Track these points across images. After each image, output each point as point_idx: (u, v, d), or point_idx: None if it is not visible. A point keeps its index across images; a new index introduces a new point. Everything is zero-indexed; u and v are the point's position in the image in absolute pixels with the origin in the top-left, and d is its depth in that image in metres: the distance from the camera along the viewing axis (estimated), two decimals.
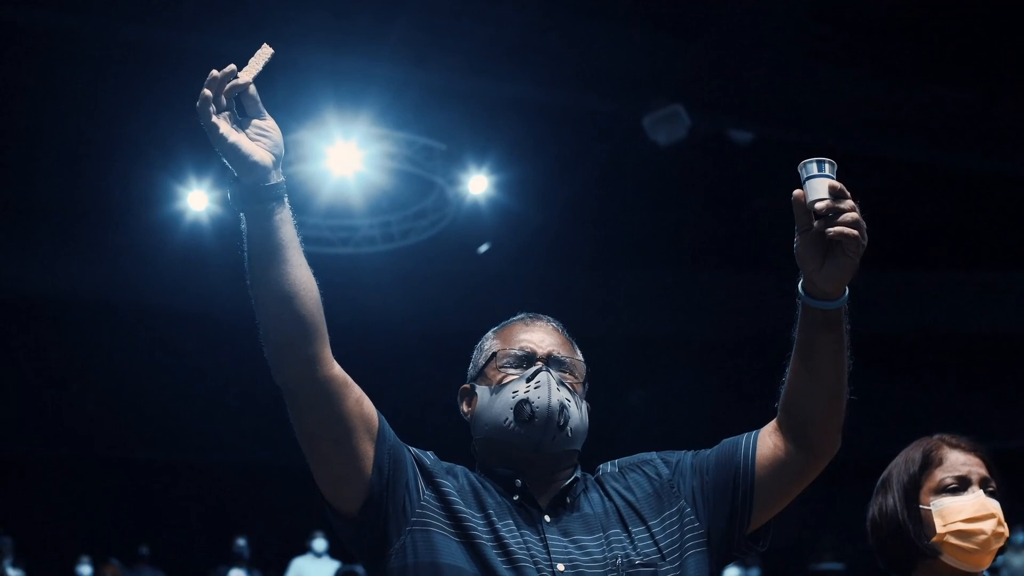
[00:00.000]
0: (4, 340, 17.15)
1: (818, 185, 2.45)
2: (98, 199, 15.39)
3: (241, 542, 15.20)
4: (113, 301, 17.14)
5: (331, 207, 15.74)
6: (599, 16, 12.43)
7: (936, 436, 3.16)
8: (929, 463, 3.09)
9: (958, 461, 3.08)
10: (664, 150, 13.67)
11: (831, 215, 2.43)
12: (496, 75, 13.12)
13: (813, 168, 2.47)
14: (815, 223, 2.45)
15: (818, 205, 2.43)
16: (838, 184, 2.45)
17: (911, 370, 18.12)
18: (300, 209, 15.69)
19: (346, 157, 14.63)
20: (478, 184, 15.45)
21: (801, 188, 2.47)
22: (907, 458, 3.14)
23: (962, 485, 3.05)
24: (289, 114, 13.49)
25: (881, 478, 3.17)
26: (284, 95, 12.93)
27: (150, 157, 14.04)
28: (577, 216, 16.47)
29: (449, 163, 15.14)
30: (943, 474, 3.06)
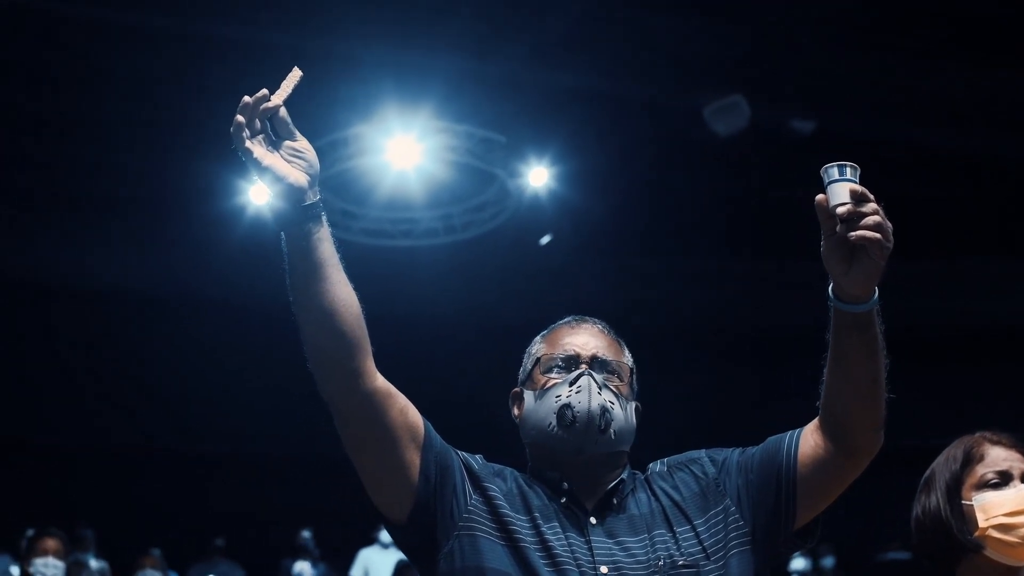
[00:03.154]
0: (71, 333, 17.33)
1: (840, 189, 2.46)
2: (159, 192, 15.51)
3: (306, 534, 15.27)
4: (177, 294, 17.27)
5: (391, 200, 15.79)
6: (659, 5, 12.39)
7: (977, 433, 3.17)
8: (970, 460, 3.10)
9: (999, 457, 3.09)
10: (726, 139, 13.62)
11: (854, 219, 2.44)
12: (555, 66, 13.11)
13: (835, 172, 2.48)
14: (838, 227, 2.46)
15: (840, 210, 2.45)
16: (860, 188, 2.45)
17: (981, 359, 17.97)
18: (360, 202, 15.97)
19: (406, 150, 14.68)
20: (538, 176, 15.44)
21: (824, 193, 2.48)
22: (948, 456, 3.16)
23: (1004, 480, 3.06)
24: (348, 108, 13.55)
25: (924, 478, 3.20)
26: (343, 89, 12.98)
27: (211, 151, 14.13)
28: (639, 207, 16.43)
29: (509, 155, 15.14)
30: (984, 469, 3.07)
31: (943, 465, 3.14)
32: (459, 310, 17.43)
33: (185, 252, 16.73)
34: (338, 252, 2.57)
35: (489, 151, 14.99)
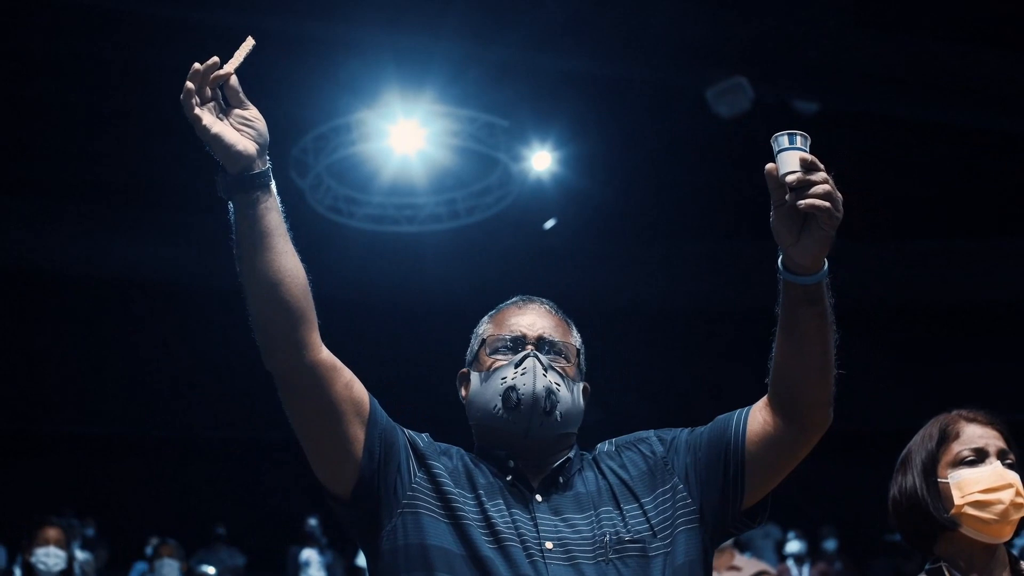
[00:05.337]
0: (80, 322, 17.33)
1: (789, 158, 2.43)
2: (169, 180, 15.52)
3: (313, 522, 15.27)
4: (188, 283, 17.28)
5: (394, 186, 15.79)
6: None
7: (954, 411, 3.16)
8: (946, 438, 3.10)
9: (975, 434, 3.09)
10: (729, 122, 13.59)
11: (803, 188, 2.41)
12: (557, 50, 13.08)
13: (784, 141, 2.45)
14: (788, 196, 2.43)
15: (789, 178, 2.41)
16: (809, 156, 2.42)
17: (984, 342, 17.96)
18: (363, 188, 15.89)
19: (409, 136, 14.67)
20: (541, 160, 15.44)
21: (774, 162, 2.45)
22: (924, 435, 3.15)
23: (979, 457, 3.06)
24: (351, 94, 13.53)
25: (900, 457, 3.19)
26: (346, 75, 12.97)
27: None
28: (642, 190, 16.42)
29: (512, 140, 15.14)
30: (960, 447, 3.07)
31: (919, 444, 3.13)
32: (463, 295, 17.41)
33: (193, 240, 16.72)
34: (287, 223, 2.55)
35: (492, 135, 14.97)
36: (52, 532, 6.59)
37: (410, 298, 16.71)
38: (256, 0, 11.89)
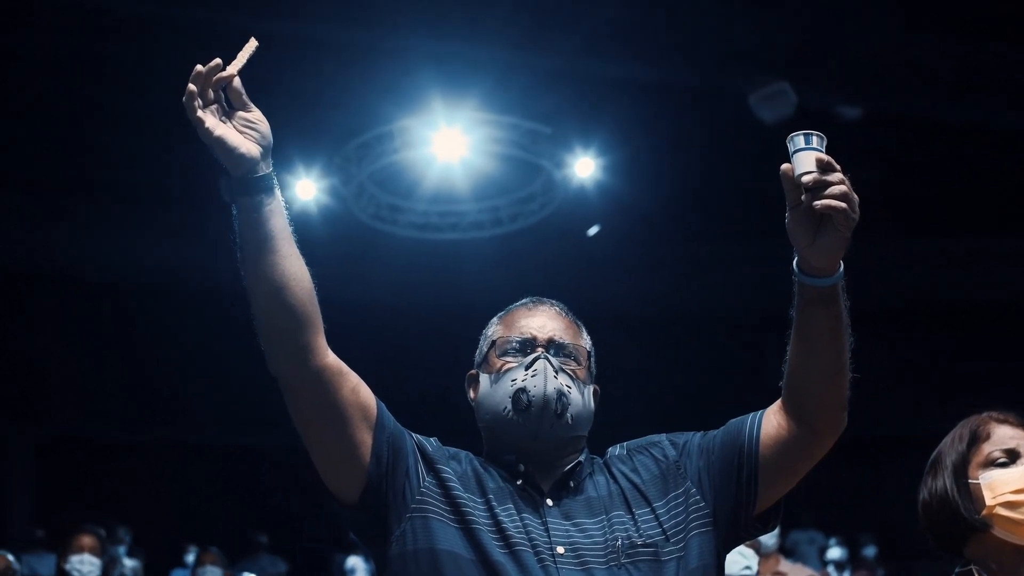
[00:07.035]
0: (109, 326, 17.39)
1: (805, 158, 2.41)
2: (203, 187, 15.59)
3: None
4: (220, 288, 17.34)
5: (437, 193, 15.82)
6: None
7: (984, 413, 3.13)
8: (977, 439, 3.07)
9: (1006, 435, 3.06)
10: (773, 126, 13.54)
11: (819, 188, 2.39)
12: (601, 57, 13.06)
13: (800, 141, 2.43)
14: (803, 197, 2.41)
15: (805, 178, 2.40)
16: (826, 157, 2.41)
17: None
18: (406, 195, 15.88)
19: (452, 143, 14.69)
20: (585, 167, 15.42)
21: (790, 162, 2.43)
22: (955, 437, 3.12)
23: (1011, 458, 3.02)
24: (393, 101, 13.55)
25: (930, 460, 3.16)
26: (388, 82, 12.99)
27: None
28: (687, 196, 16.37)
29: (555, 146, 15.13)
30: (991, 448, 3.04)
31: (949, 446, 3.10)
32: (506, 302, 17.35)
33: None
34: (291, 225, 2.55)
35: (535, 142, 14.96)
36: (87, 540, 6.64)
37: (453, 305, 16.72)
38: (297, 8, 11.92)
